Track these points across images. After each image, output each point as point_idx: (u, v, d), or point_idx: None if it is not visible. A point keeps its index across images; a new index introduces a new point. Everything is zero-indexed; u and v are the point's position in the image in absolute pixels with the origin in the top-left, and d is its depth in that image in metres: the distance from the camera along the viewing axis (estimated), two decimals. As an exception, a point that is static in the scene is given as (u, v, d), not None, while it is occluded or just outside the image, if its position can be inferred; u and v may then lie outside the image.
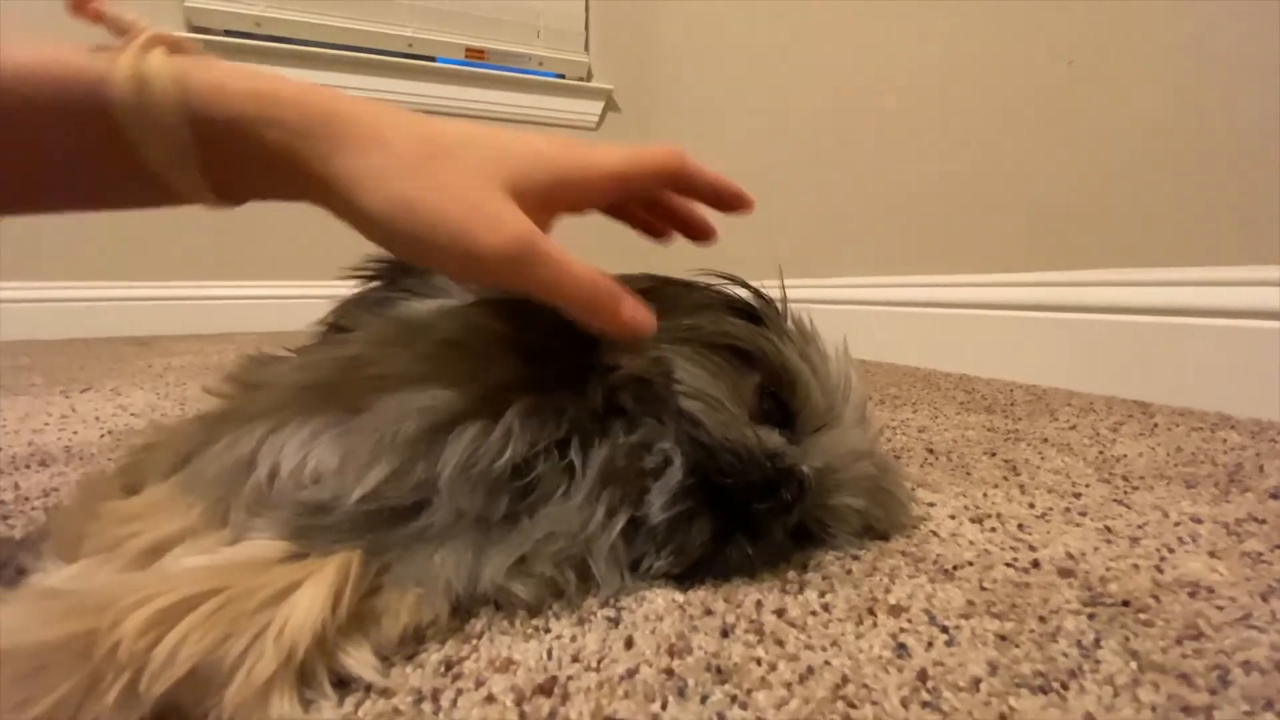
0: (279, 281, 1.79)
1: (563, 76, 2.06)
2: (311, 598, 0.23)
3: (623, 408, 0.31)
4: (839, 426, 0.32)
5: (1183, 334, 0.72)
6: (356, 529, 0.27)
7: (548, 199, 0.28)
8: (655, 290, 0.36)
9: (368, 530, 0.27)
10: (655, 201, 0.36)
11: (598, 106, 2.08)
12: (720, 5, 1.69)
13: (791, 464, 0.29)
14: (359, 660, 0.23)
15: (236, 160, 0.26)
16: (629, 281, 0.30)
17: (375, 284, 0.50)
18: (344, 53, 1.78)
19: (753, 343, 0.32)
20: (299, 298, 1.78)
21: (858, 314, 1.17)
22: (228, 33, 1.71)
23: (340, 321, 0.49)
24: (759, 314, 0.34)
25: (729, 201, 0.34)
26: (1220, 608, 0.28)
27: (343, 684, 0.23)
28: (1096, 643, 0.25)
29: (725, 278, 0.36)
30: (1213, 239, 0.72)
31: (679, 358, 0.32)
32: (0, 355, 1.18)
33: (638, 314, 0.29)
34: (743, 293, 0.36)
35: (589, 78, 2.09)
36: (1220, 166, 0.71)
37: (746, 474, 0.28)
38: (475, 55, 1.98)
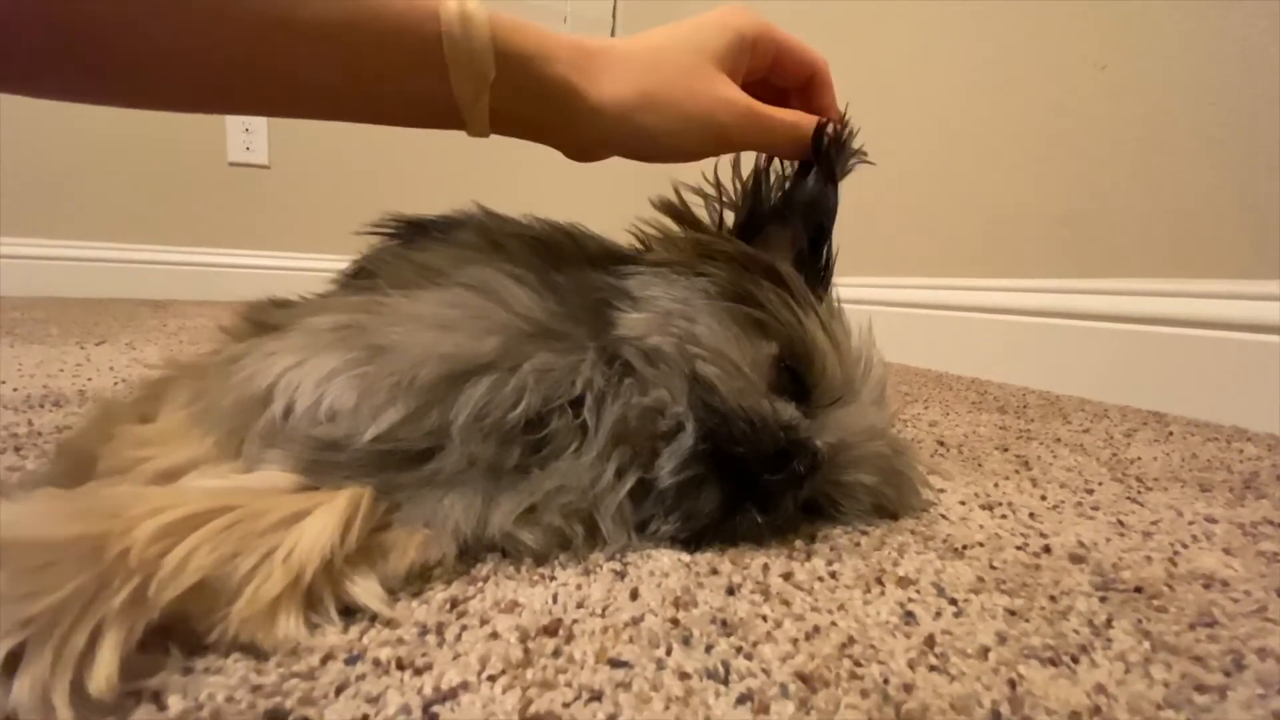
0: (295, 253, 1.80)
1: (588, 65, 2.06)
2: (321, 524, 0.23)
3: (634, 367, 0.31)
4: (855, 403, 0.32)
5: (1201, 346, 0.71)
6: (368, 468, 0.27)
7: (738, 61, 0.36)
8: (679, 241, 0.36)
9: (379, 470, 0.27)
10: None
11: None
12: (750, 0, 1.68)
13: (805, 437, 0.29)
14: (365, 590, 0.23)
15: (522, 90, 0.31)
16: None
17: (395, 240, 0.50)
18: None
19: (774, 310, 0.32)
20: (314, 270, 1.79)
21: (871, 314, 1.16)
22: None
23: (362, 268, 0.49)
24: (784, 279, 0.33)
25: (818, 84, 0.41)
26: (1235, 600, 0.27)
27: (349, 613, 0.23)
28: (1108, 623, 0.25)
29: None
30: (1235, 252, 0.71)
31: (701, 317, 0.31)
32: (18, 309, 1.19)
33: (782, 142, 0.36)
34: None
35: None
36: (1247, 179, 0.70)
37: (759, 444, 0.28)
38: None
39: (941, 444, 0.52)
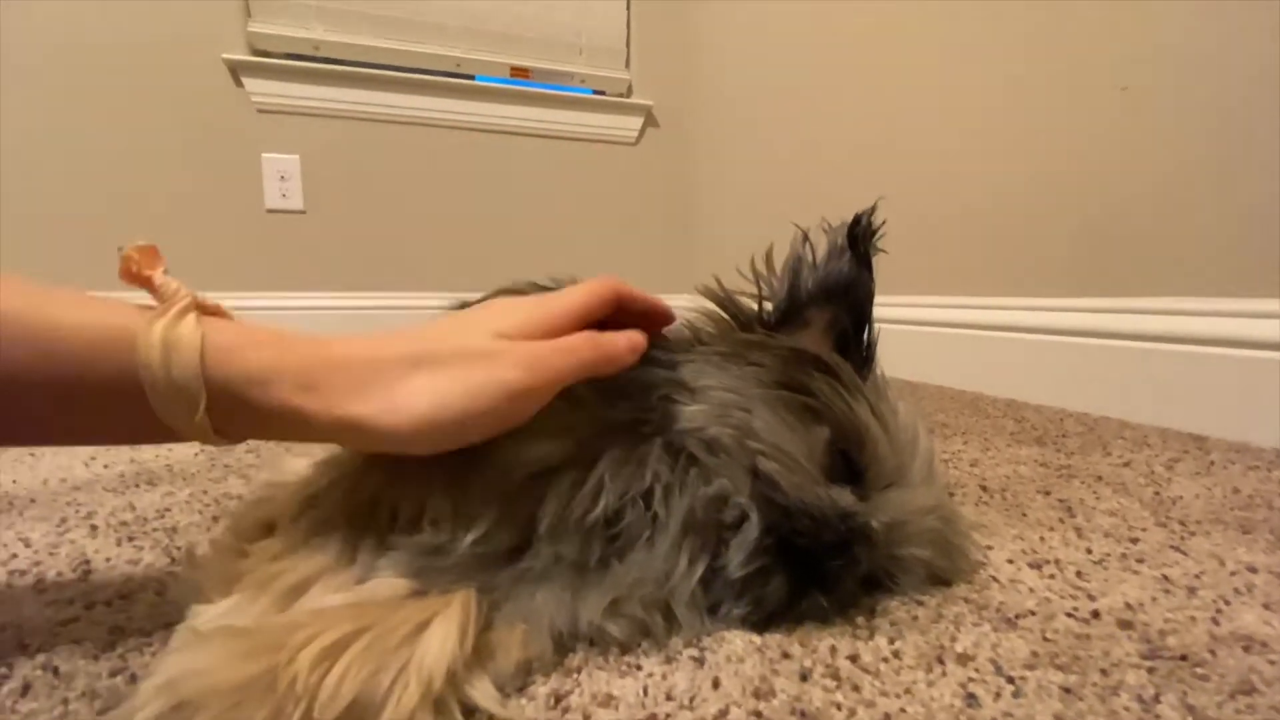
0: (332, 292, 1.86)
1: (603, 93, 2.11)
2: (443, 635, 0.26)
3: (697, 457, 0.33)
4: (907, 484, 0.34)
5: (1239, 366, 0.71)
6: (469, 570, 0.30)
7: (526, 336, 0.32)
8: (728, 336, 0.39)
9: (478, 571, 0.30)
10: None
11: (637, 122, 2.12)
12: (762, 23, 1.71)
13: (863, 521, 0.32)
14: (482, 692, 0.26)
15: (242, 413, 0.28)
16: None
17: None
18: (396, 73, 1.85)
19: (825, 399, 0.34)
20: (350, 309, 1.85)
21: (907, 334, 1.17)
22: (289, 55, 1.79)
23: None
24: (831, 367, 0.36)
25: (657, 320, 0.38)
26: (1272, 662, 0.29)
27: (468, 713, 0.26)
28: (1156, 698, 0.27)
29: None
30: (1269, 269, 0.71)
31: (756, 408, 0.34)
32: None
33: (622, 354, 0.33)
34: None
35: (629, 94, 2.13)
36: (1270, 192, 0.70)
37: (821, 535, 0.31)
38: (520, 74, 2.04)
39: (984, 489, 0.54)
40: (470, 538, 0.30)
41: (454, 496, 0.31)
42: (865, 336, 0.39)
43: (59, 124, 1.61)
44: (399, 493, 0.31)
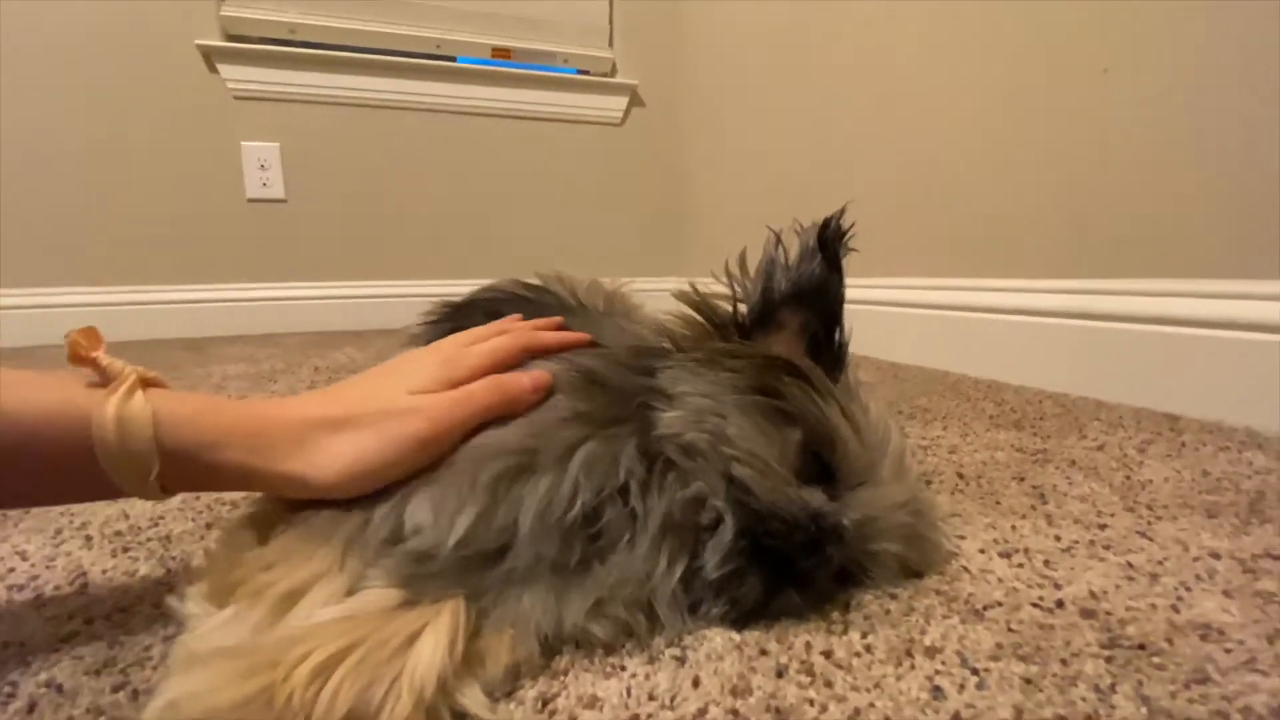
0: (314, 282, 1.85)
1: (587, 73, 2.08)
2: (433, 645, 0.27)
3: (675, 461, 0.34)
4: (877, 482, 0.35)
5: (1213, 347, 0.73)
6: (457, 575, 0.31)
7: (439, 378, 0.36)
8: (701, 345, 0.39)
9: (466, 575, 0.31)
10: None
11: (622, 102, 2.10)
12: None
13: (834, 521, 0.33)
14: (473, 699, 0.27)
15: (192, 472, 0.31)
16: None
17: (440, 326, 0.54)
18: (375, 56, 1.82)
19: (797, 403, 0.35)
20: (331, 298, 1.84)
21: (894, 315, 1.18)
22: (263, 40, 1.76)
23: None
24: (802, 372, 0.37)
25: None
26: (1228, 650, 0.31)
27: (460, 719, 0.27)
28: (1112, 687, 0.28)
29: None
30: (1244, 252, 0.73)
31: (731, 414, 0.35)
32: (60, 363, 1.25)
33: (526, 393, 0.36)
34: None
35: (613, 73, 2.10)
36: (1257, 178, 0.71)
37: (793, 537, 0.32)
38: (501, 54, 2.01)
39: (961, 476, 0.55)
40: (452, 540, 0.31)
41: (431, 501, 0.32)
42: (836, 338, 0.39)
43: (29, 117, 1.57)
44: (381, 501, 0.32)
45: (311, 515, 0.33)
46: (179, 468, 0.31)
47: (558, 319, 0.46)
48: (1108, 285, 0.85)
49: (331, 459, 0.33)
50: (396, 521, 0.32)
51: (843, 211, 0.40)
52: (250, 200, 1.78)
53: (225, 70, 1.72)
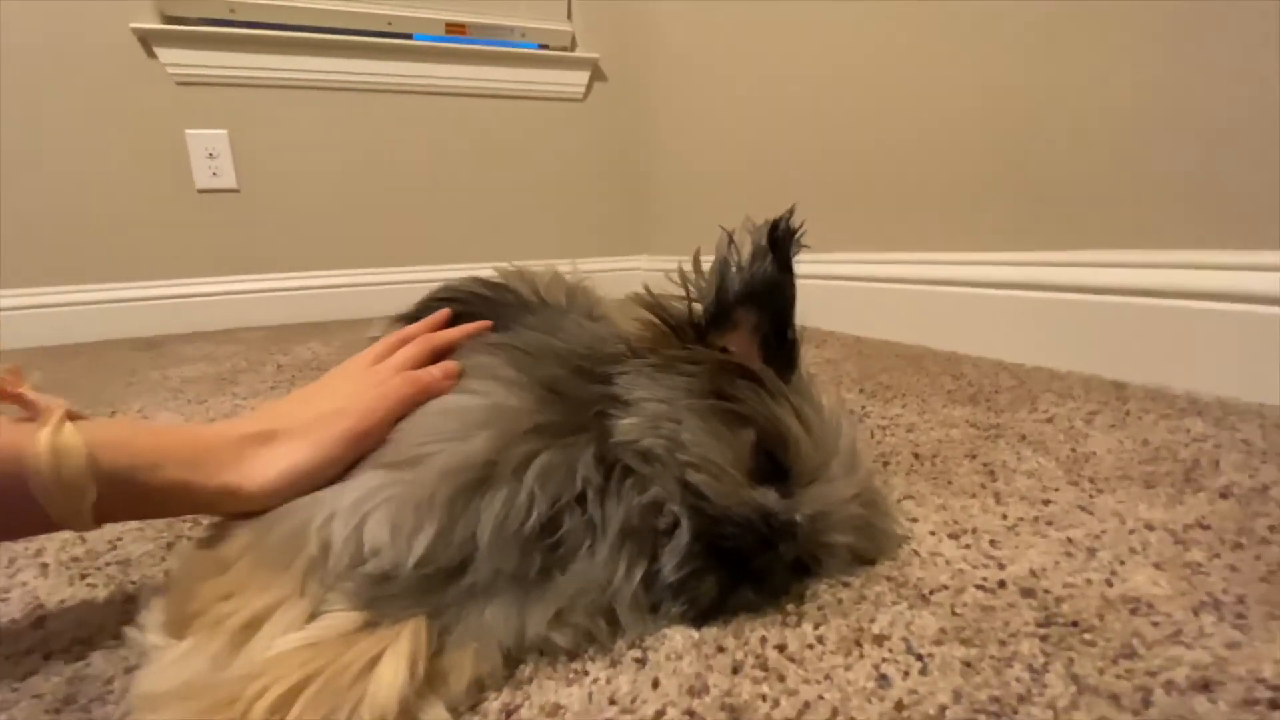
0: (270, 274, 1.81)
1: (546, 47, 2.03)
2: (393, 670, 0.28)
3: (632, 468, 0.35)
4: (829, 478, 0.37)
5: (1156, 315, 0.76)
6: (418, 594, 0.31)
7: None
8: (657, 348, 0.40)
9: (427, 593, 0.31)
10: None
11: (584, 77, 2.06)
12: (704, -29, 1.65)
13: (786, 519, 0.34)
14: (435, 717, 0.28)
15: (129, 495, 0.32)
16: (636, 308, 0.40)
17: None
18: (323, 35, 1.75)
19: (750, 405, 0.36)
20: (288, 290, 1.80)
21: (857, 290, 1.20)
22: (202, 20, 1.68)
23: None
24: (755, 374, 0.37)
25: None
26: (1155, 624, 0.33)
27: (423, 737, 0.27)
28: (1045, 667, 0.30)
29: None
30: (1188, 223, 0.75)
31: (686, 418, 0.36)
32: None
33: (438, 382, 0.40)
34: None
35: (573, 47, 2.06)
36: (1200, 150, 0.73)
37: (746, 539, 0.33)
38: (455, 30, 1.95)
39: (917, 456, 0.57)
40: (412, 559, 0.31)
41: (388, 520, 0.32)
42: (788, 337, 0.40)
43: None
44: (340, 522, 0.32)
45: (270, 539, 0.33)
46: (115, 492, 0.31)
47: (446, 313, 0.51)
48: (1057, 257, 0.88)
49: (265, 467, 0.34)
50: (356, 543, 0.32)
51: (792, 211, 0.41)
52: (201, 191, 1.72)
53: (164, 54, 1.65)
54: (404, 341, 0.46)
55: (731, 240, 0.40)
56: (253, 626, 0.30)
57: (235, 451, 0.35)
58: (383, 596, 0.31)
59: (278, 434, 0.36)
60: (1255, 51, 0.67)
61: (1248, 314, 0.67)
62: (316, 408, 0.38)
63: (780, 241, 0.39)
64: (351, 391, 0.39)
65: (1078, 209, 0.87)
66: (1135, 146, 0.79)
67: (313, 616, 0.31)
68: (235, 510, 0.35)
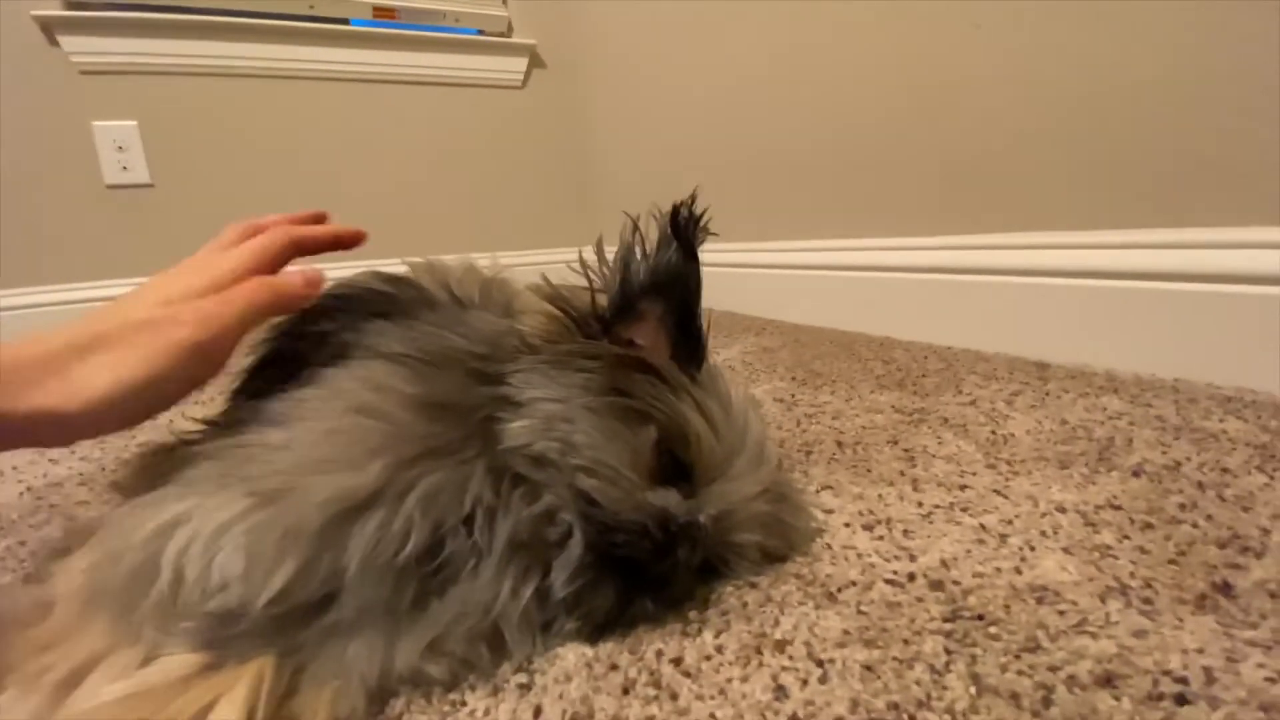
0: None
1: (481, 32, 1.97)
2: (228, 716, 0.24)
3: (523, 475, 0.32)
4: (734, 474, 0.35)
5: (1075, 294, 0.77)
6: (268, 633, 0.28)
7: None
8: (557, 343, 0.37)
9: (279, 633, 0.28)
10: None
11: (522, 63, 2.00)
12: (638, -46, 1.62)
13: (686, 520, 0.32)
14: (281, 767, 0.25)
15: None
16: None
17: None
18: (239, 20, 1.66)
19: (649, 402, 0.34)
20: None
21: (793, 277, 1.19)
22: (108, 5, 1.56)
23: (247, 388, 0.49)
24: (655, 368, 0.35)
25: (348, 241, 0.44)
26: (1061, 612, 0.32)
27: (268, 791, 0.24)
28: (947, 666, 0.29)
29: None
30: (1103, 204, 0.76)
31: (581, 418, 0.33)
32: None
33: (298, 289, 0.36)
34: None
35: (509, 33, 2.00)
36: (1112, 132, 0.74)
37: (641, 545, 0.31)
38: (384, 14, 1.87)
39: (840, 444, 0.56)
40: (265, 598, 0.28)
41: (245, 550, 0.28)
42: (694, 328, 0.38)
43: None
44: (183, 550, 0.29)
45: (107, 577, 0.29)
46: None
47: (320, 211, 0.45)
48: (980, 240, 0.88)
49: (84, 384, 0.29)
50: (203, 573, 0.28)
51: (694, 197, 0.38)
52: (110, 186, 1.61)
53: (68, 42, 1.53)
54: (257, 231, 0.39)
55: (636, 228, 0.38)
56: (74, 681, 0.26)
57: (46, 367, 0.29)
58: (227, 637, 0.28)
59: (97, 343, 0.30)
60: (1150, 30, 0.68)
61: (1164, 291, 0.68)
62: (147, 309, 0.32)
63: (683, 229, 0.37)
64: (190, 287, 0.33)
65: (1000, 192, 0.87)
66: (1048, 126, 0.80)
67: (148, 661, 0.27)
68: (62, 440, 0.30)
